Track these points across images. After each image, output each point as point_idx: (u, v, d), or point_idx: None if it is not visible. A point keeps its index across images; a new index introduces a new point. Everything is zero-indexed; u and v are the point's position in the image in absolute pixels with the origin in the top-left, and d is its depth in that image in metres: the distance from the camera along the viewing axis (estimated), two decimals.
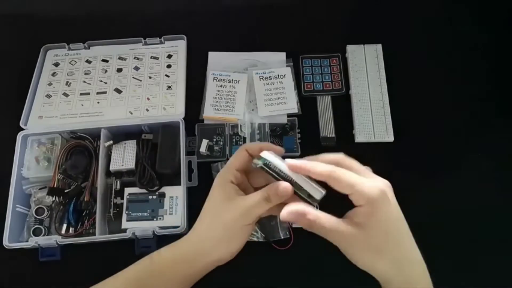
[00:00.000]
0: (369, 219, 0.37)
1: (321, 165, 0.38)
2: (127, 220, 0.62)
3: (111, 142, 0.65)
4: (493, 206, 0.63)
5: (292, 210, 0.37)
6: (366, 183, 0.37)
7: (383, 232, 0.37)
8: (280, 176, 0.39)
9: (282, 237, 0.61)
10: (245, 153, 0.42)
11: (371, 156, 0.66)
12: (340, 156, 0.41)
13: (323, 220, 0.37)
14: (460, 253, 0.59)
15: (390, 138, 0.67)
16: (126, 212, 0.62)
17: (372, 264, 0.39)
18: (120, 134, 0.67)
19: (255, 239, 0.61)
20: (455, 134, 0.68)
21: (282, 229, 0.61)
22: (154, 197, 0.63)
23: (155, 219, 0.62)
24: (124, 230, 0.60)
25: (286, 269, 0.60)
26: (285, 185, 0.38)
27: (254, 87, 0.72)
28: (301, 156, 0.66)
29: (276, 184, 0.38)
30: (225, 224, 0.40)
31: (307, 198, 0.39)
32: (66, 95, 0.73)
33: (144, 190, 0.63)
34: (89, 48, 0.77)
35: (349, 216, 0.38)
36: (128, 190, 0.64)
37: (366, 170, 0.40)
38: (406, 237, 0.39)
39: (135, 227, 0.61)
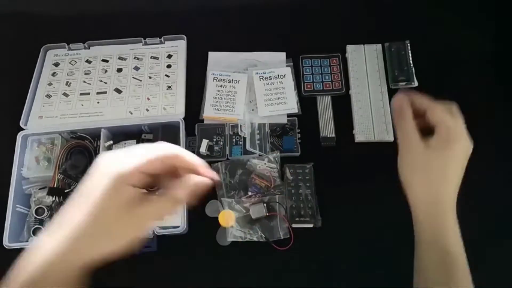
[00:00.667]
0: (437, 143, 0.44)
1: (425, 98, 0.47)
2: None
3: (111, 142, 0.65)
4: (493, 205, 0.63)
5: (402, 98, 0.46)
6: (458, 124, 0.46)
7: (440, 161, 0.44)
8: None
9: (282, 237, 0.61)
10: (159, 161, 0.36)
11: (371, 156, 0.66)
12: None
13: (409, 122, 0.45)
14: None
15: (390, 137, 0.67)
16: None
17: (415, 181, 0.45)
18: (120, 134, 0.68)
19: (255, 239, 0.61)
20: None
21: (282, 229, 0.61)
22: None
23: None
24: None
25: (286, 269, 0.60)
26: (200, 183, 0.36)
27: (254, 87, 0.72)
28: (301, 156, 0.67)
29: (183, 183, 0.36)
30: (116, 235, 0.34)
31: None
32: (66, 95, 0.73)
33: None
34: (89, 48, 0.77)
35: (427, 138, 0.45)
36: None
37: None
38: (454, 174, 0.45)
39: None
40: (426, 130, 0.46)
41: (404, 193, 0.48)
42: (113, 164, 0.35)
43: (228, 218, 0.61)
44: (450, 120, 0.45)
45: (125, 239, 0.35)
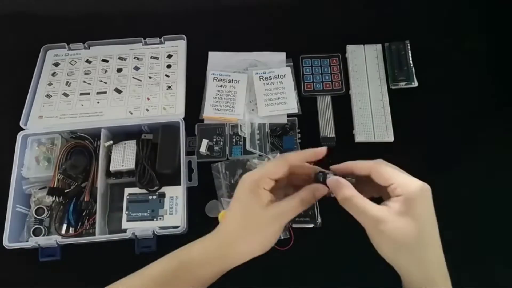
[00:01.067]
0: (405, 211, 0.37)
1: (364, 161, 0.42)
2: (127, 221, 0.62)
3: (111, 142, 0.65)
4: (494, 204, 0.63)
5: (337, 179, 0.41)
6: (408, 177, 0.39)
7: (416, 228, 0.37)
8: None
9: (282, 237, 0.61)
10: (286, 166, 0.41)
11: (371, 156, 0.65)
12: (379, 160, 0.42)
13: (359, 199, 0.39)
14: (463, 251, 0.59)
15: (390, 138, 0.67)
16: (126, 212, 0.62)
17: (397, 257, 0.39)
18: (120, 134, 0.68)
19: None
20: (455, 134, 0.68)
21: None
22: (154, 197, 0.63)
23: (155, 219, 0.62)
24: (124, 230, 0.60)
25: (286, 269, 0.60)
26: (321, 188, 0.41)
27: (254, 87, 0.72)
28: None
29: (312, 188, 0.41)
30: (258, 231, 0.40)
31: None
32: (66, 95, 0.73)
33: (144, 190, 0.63)
34: (89, 48, 0.77)
35: (385, 204, 0.39)
36: (128, 191, 0.64)
37: (406, 173, 0.41)
38: (435, 239, 0.39)
39: (135, 227, 0.61)
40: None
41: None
42: (248, 174, 0.42)
43: None
44: (398, 175, 0.39)
45: (269, 235, 0.41)
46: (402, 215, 0.37)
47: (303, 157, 0.43)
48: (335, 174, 0.42)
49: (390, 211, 0.38)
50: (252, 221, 0.40)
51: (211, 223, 0.62)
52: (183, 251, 0.43)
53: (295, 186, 0.43)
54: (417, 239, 0.37)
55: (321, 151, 0.43)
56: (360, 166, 0.42)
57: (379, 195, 0.42)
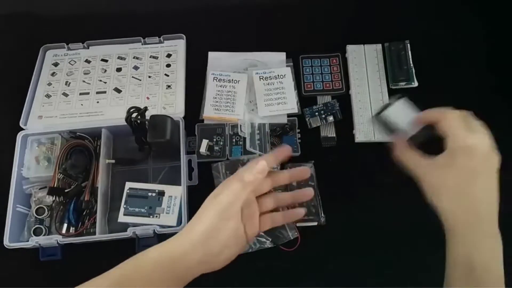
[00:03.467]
0: (443, 161, 0.42)
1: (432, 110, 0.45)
2: (124, 214, 0.62)
3: (113, 161, 0.66)
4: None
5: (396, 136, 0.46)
6: (465, 133, 0.41)
7: (452, 180, 0.41)
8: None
9: (292, 238, 0.61)
10: (265, 172, 0.42)
11: (371, 156, 0.66)
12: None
13: (407, 153, 0.45)
14: None
15: (390, 138, 0.67)
16: (124, 206, 0.62)
17: (442, 205, 0.42)
18: (120, 134, 0.68)
19: (268, 245, 0.61)
20: None
21: (290, 229, 0.61)
22: (154, 194, 0.63)
23: (151, 216, 0.62)
24: (125, 229, 0.60)
25: (293, 268, 0.60)
26: (261, 165, 0.42)
27: (254, 87, 0.72)
28: (301, 156, 0.67)
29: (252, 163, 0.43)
30: (204, 221, 0.40)
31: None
32: (65, 95, 0.73)
33: (144, 186, 0.63)
34: (88, 48, 0.77)
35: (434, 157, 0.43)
36: (128, 185, 0.64)
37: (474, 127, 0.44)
38: (484, 190, 0.41)
39: (130, 221, 0.61)
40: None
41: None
42: (239, 172, 0.42)
43: None
44: (458, 127, 0.42)
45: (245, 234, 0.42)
46: (438, 168, 0.42)
47: (289, 176, 0.46)
48: None
49: (433, 162, 0.42)
50: (227, 224, 0.41)
51: None
52: (146, 251, 0.42)
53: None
54: (453, 190, 0.41)
55: (284, 152, 0.45)
56: (430, 114, 0.45)
57: None
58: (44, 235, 0.62)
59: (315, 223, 0.61)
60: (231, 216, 0.41)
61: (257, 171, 0.42)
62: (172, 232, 0.60)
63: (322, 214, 0.62)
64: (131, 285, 0.40)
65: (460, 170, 0.41)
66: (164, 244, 0.41)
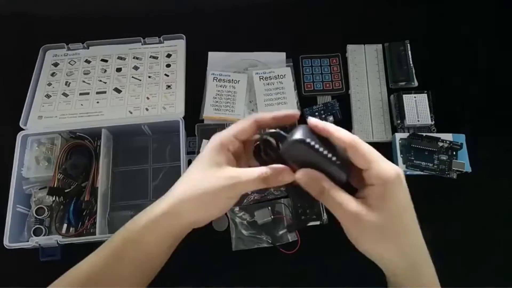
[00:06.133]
0: (381, 199, 0.36)
1: (345, 131, 0.37)
2: None
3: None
4: (496, 203, 0.64)
5: (309, 172, 0.36)
6: (383, 162, 0.36)
7: (392, 215, 0.36)
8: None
9: (290, 240, 0.61)
10: (253, 124, 0.39)
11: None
12: (355, 136, 0.37)
13: (336, 192, 0.36)
14: (468, 250, 0.61)
15: (388, 138, 0.67)
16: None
17: (378, 249, 0.38)
18: (120, 134, 0.68)
19: (265, 244, 0.61)
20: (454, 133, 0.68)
21: (289, 232, 0.61)
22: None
23: None
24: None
25: (293, 271, 0.60)
26: (287, 174, 0.37)
27: (254, 87, 0.72)
28: None
29: (281, 168, 0.37)
30: (208, 190, 0.38)
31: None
32: (65, 95, 0.73)
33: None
34: (88, 48, 0.77)
35: (359, 195, 0.37)
36: None
37: (377, 154, 0.37)
38: (413, 223, 0.38)
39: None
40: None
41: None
42: (215, 134, 0.40)
43: None
44: (374, 157, 0.36)
45: (219, 198, 0.38)
46: (380, 208, 0.35)
47: (273, 118, 0.39)
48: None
49: (367, 205, 0.36)
50: (205, 179, 0.38)
51: (211, 222, 0.62)
52: (133, 219, 0.41)
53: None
54: (397, 228, 0.36)
55: (294, 114, 0.39)
56: (340, 135, 0.36)
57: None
58: (44, 235, 0.62)
59: (318, 223, 0.61)
60: (211, 176, 0.38)
61: (234, 133, 0.39)
62: None
63: (324, 214, 0.61)
64: (126, 255, 0.40)
65: (399, 208, 0.36)
66: (151, 209, 0.40)
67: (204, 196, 0.38)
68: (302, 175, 0.36)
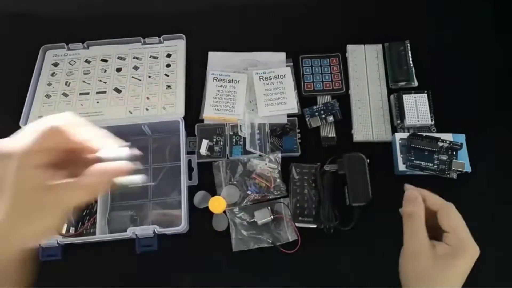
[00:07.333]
0: (451, 256, 0.41)
1: (437, 197, 0.44)
2: None
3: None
4: (497, 203, 0.64)
5: (416, 192, 0.44)
6: (466, 234, 0.43)
7: (448, 278, 0.40)
8: None
9: (290, 240, 0.61)
10: (57, 135, 0.33)
11: (369, 156, 0.66)
12: (450, 204, 0.45)
13: (421, 221, 0.42)
14: None
15: (388, 138, 0.67)
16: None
17: (416, 284, 0.41)
18: (120, 134, 0.67)
19: (265, 244, 0.61)
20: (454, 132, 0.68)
21: (289, 232, 0.61)
22: None
23: None
24: (125, 230, 0.60)
25: (294, 271, 0.60)
26: (110, 170, 0.33)
27: (254, 87, 0.72)
28: (301, 156, 0.67)
29: (98, 171, 0.33)
30: (36, 214, 0.32)
31: None
32: (65, 95, 0.73)
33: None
34: (88, 48, 0.77)
35: (433, 243, 0.42)
36: None
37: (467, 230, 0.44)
38: (461, 282, 0.42)
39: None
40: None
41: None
42: (9, 145, 0.33)
43: (219, 204, 0.61)
44: (462, 228, 0.43)
45: (45, 223, 0.33)
46: (442, 261, 0.40)
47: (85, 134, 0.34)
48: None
49: (433, 251, 0.41)
50: (26, 209, 0.32)
51: (212, 222, 0.62)
52: None
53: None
54: (442, 283, 0.41)
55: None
56: (433, 200, 0.44)
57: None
58: None
59: (314, 226, 0.61)
60: (27, 199, 0.32)
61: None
62: (172, 232, 0.60)
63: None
64: None
65: (453, 275, 0.41)
66: None
67: (32, 224, 0.33)
68: (412, 193, 0.44)
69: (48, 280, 0.61)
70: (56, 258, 0.60)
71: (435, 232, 0.44)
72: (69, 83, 0.74)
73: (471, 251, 0.42)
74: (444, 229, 0.43)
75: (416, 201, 0.43)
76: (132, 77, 0.74)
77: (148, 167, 0.68)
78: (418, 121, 0.66)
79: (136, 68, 0.75)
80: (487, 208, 0.63)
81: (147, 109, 0.71)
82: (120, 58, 0.76)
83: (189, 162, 0.66)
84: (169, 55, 0.76)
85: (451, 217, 0.43)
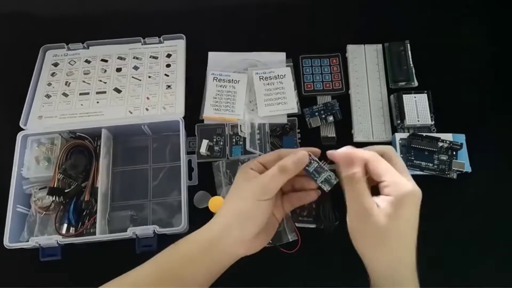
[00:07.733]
0: (390, 212, 0.38)
1: (361, 151, 0.40)
2: None
3: None
4: (497, 203, 0.64)
5: (349, 152, 0.40)
6: (400, 178, 0.39)
7: (398, 226, 0.38)
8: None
9: (290, 240, 0.61)
10: (276, 155, 0.43)
11: None
12: (388, 147, 0.42)
13: (362, 184, 0.39)
14: (468, 250, 0.61)
15: (388, 138, 0.67)
16: None
17: (373, 252, 0.40)
18: (120, 134, 0.68)
19: (267, 244, 0.60)
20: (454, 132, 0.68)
21: (289, 232, 0.61)
22: None
23: None
24: (125, 229, 0.60)
25: (294, 271, 0.60)
26: (302, 154, 0.41)
27: (254, 87, 0.72)
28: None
29: (292, 153, 0.41)
30: (240, 203, 0.41)
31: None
32: (65, 95, 0.73)
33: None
34: (88, 48, 0.77)
35: (374, 200, 0.39)
36: None
37: (407, 171, 0.40)
38: (413, 242, 0.39)
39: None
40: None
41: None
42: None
43: (219, 204, 0.61)
44: (393, 172, 0.39)
45: (250, 206, 0.40)
46: (390, 215, 0.38)
47: (295, 159, 0.42)
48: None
49: (380, 208, 0.38)
50: (234, 201, 0.42)
51: None
52: (185, 239, 0.43)
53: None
54: (398, 240, 0.38)
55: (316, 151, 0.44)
56: (359, 155, 0.40)
57: (371, 184, 0.41)
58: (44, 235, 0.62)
59: (314, 226, 0.61)
60: (268, 198, 0.40)
61: (297, 159, 0.41)
62: (172, 232, 0.60)
63: (322, 217, 0.61)
64: (179, 273, 0.41)
65: (404, 223, 0.38)
66: (200, 230, 0.43)
67: (237, 211, 0.41)
68: (343, 154, 0.40)
69: (48, 280, 0.61)
70: (56, 258, 0.60)
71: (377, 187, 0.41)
72: (69, 83, 0.74)
73: (409, 194, 0.38)
74: (376, 179, 0.39)
75: (353, 163, 0.39)
76: (132, 77, 0.74)
77: (148, 167, 0.68)
78: (418, 121, 0.66)
79: (136, 68, 0.75)
80: (487, 208, 0.63)
81: (147, 109, 0.71)
82: (120, 58, 0.76)
83: (189, 162, 0.66)
84: (169, 55, 0.76)
85: (380, 166, 0.39)
